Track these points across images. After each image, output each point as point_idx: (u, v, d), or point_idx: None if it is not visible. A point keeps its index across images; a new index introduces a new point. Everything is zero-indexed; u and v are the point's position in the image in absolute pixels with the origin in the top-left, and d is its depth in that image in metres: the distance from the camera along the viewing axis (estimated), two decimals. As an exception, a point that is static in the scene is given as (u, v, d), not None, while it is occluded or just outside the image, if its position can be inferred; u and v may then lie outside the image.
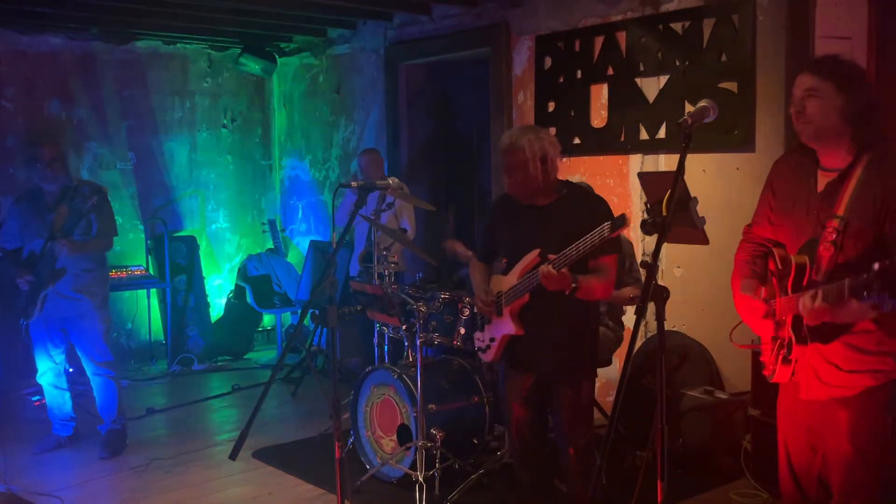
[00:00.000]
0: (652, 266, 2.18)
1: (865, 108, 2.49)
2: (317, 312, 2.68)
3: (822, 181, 2.57)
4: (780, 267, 2.61)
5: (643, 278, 4.10)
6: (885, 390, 2.51)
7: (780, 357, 2.61)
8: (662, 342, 2.09)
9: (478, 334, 3.66)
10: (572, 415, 3.33)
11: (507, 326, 3.42)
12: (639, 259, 4.73)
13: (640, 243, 5.07)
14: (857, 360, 2.51)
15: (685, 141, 2.37)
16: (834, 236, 2.43)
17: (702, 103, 2.46)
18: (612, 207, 3.34)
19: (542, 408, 3.52)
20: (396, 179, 3.02)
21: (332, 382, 2.85)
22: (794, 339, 2.53)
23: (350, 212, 2.63)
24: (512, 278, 3.38)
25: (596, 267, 3.23)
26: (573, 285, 3.12)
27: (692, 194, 3.00)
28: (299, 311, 7.58)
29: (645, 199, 3.70)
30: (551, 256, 3.13)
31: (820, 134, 2.52)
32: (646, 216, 2.38)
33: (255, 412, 2.55)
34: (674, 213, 2.21)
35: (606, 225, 2.98)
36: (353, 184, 3.09)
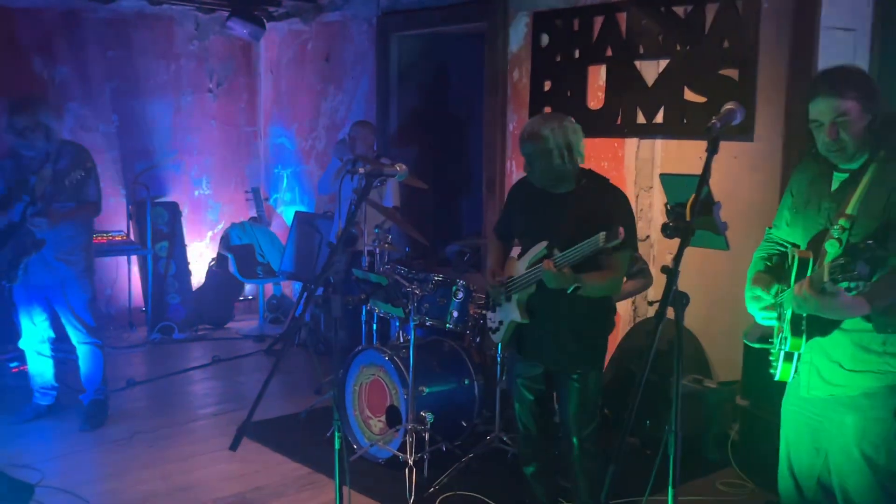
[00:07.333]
0: (673, 272, 2.14)
1: (878, 117, 2.50)
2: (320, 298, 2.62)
3: (837, 182, 2.59)
4: (790, 263, 2.62)
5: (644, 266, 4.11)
6: (893, 395, 2.50)
7: (782, 353, 2.62)
8: (681, 349, 2.06)
9: (490, 314, 3.62)
10: (578, 405, 3.31)
11: (514, 313, 3.40)
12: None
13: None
14: (861, 360, 2.52)
15: (712, 145, 2.32)
16: (840, 233, 2.44)
17: (728, 105, 2.43)
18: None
19: (548, 397, 3.50)
20: (405, 166, 2.94)
21: (337, 369, 2.80)
22: (791, 331, 2.53)
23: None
24: (521, 266, 3.36)
25: (605, 264, 3.18)
26: (575, 285, 3.08)
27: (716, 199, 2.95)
28: (282, 282, 7.53)
29: (665, 200, 3.63)
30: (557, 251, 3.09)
31: (854, 154, 2.52)
32: (667, 219, 2.34)
33: (256, 402, 2.50)
34: (697, 218, 2.17)
35: (601, 235, 2.94)
36: (361, 170, 3.02)
